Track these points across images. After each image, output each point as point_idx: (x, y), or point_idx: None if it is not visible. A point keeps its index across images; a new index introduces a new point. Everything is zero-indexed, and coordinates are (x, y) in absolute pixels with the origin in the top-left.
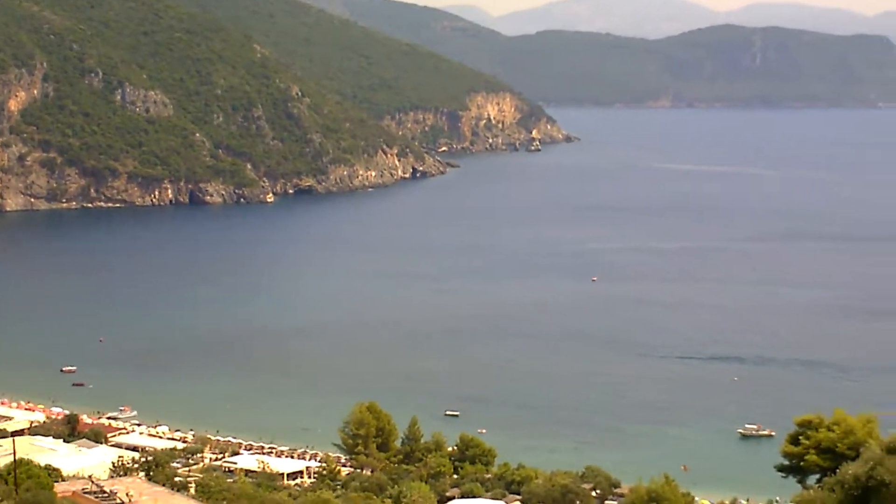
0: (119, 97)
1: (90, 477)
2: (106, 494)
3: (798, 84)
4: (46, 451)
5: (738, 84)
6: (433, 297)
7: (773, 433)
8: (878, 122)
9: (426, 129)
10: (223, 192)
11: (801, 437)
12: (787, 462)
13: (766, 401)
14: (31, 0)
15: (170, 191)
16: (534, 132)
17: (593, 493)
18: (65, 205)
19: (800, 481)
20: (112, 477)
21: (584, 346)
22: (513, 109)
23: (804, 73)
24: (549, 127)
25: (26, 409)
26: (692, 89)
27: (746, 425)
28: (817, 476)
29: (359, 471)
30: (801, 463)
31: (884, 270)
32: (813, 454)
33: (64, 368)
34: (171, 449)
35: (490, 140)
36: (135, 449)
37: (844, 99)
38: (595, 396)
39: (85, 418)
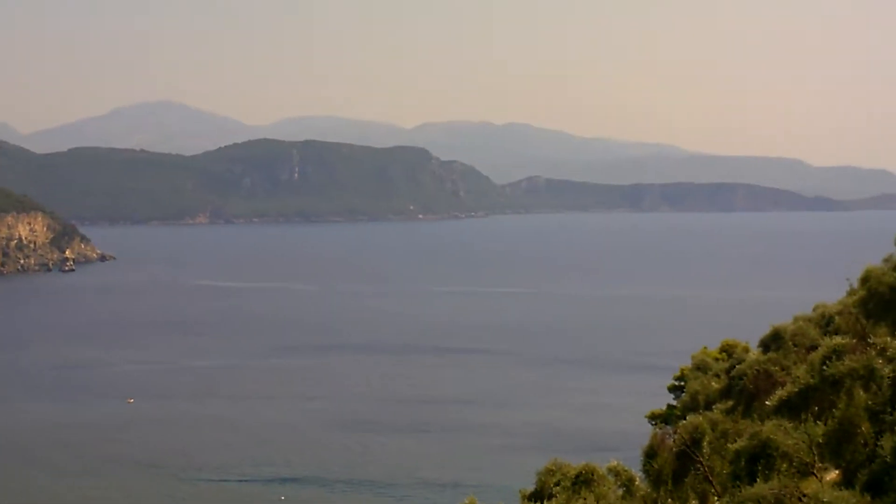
0: None
1: None
2: None
3: (338, 197)
4: None
5: (278, 198)
6: None
7: None
8: (414, 234)
9: None
10: None
11: None
12: None
13: None
14: None
15: None
16: (67, 252)
17: None
18: None
19: None
20: None
21: (119, 471)
22: (45, 229)
23: (344, 186)
24: (83, 246)
25: None
26: (231, 205)
27: None
28: None
29: None
30: None
31: (404, 380)
32: None
33: None
34: None
35: (22, 261)
36: None
37: (385, 212)
38: None
39: None
